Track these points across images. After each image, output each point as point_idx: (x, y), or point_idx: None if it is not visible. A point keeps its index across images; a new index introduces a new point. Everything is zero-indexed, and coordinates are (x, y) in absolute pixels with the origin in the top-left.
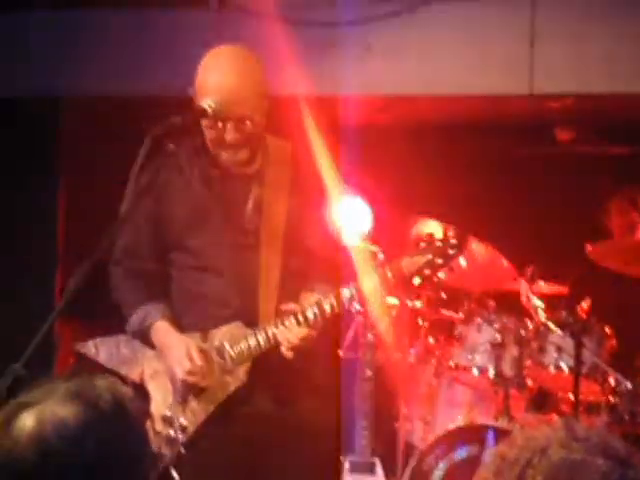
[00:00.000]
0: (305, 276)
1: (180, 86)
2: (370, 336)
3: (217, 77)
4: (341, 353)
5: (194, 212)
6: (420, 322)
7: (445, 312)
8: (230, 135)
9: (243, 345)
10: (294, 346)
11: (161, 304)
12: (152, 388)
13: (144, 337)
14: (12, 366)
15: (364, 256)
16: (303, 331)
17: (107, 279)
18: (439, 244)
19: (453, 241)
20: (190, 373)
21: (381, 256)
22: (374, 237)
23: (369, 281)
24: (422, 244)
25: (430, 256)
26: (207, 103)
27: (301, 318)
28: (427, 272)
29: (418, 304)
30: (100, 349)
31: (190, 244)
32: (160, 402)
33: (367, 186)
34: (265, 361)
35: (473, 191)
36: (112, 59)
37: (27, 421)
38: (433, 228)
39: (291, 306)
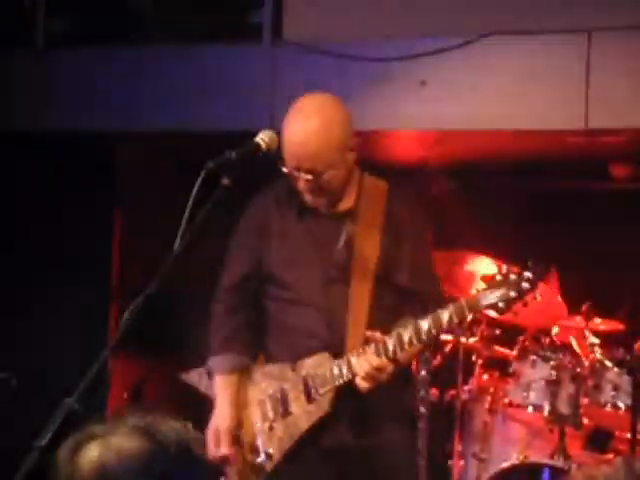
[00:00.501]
0: (397, 311)
1: (236, 120)
2: (423, 372)
3: (288, 130)
4: None
5: (289, 248)
6: (474, 358)
7: (499, 349)
8: (301, 184)
9: (328, 374)
10: (367, 375)
11: (236, 355)
12: (252, 413)
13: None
14: (66, 400)
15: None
16: (379, 361)
17: (165, 313)
18: (514, 277)
19: (528, 274)
20: (212, 456)
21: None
22: None
23: (444, 315)
24: (498, 277)
25: (505, 290)
26: (260, 137)
27: (381, 348)
28: (502, 305)
29: (472, 340)
30: (202, 378)
31: (284, 278)
32: (249, 430)
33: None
34: (349, 391)
35: (525, 228)
36: (168, 92)
37: (92, 450)
38: (485, 264)
39: (376, 335)
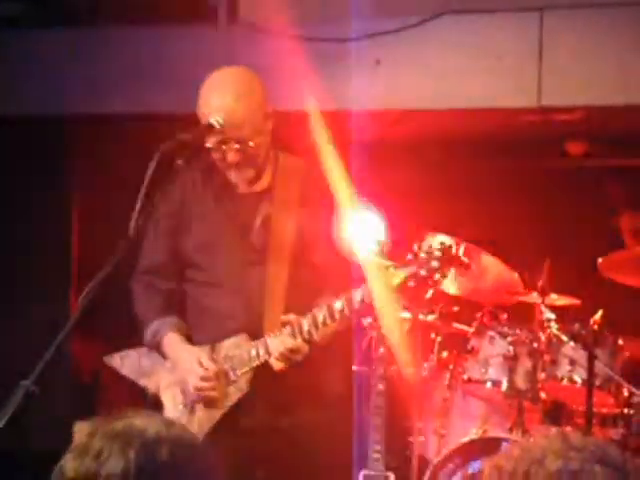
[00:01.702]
0: (315, 291)
1: (189, 103)
2: (382, 350)
3: (216, 100)
4: (354, 367)
5: (206, 229)
6: (433, 336)
7: (458, 326)
8: (231, 156)
9: (245, 355)
10: (281, 356)
11: (174, 318)
12: (165, 398)
13: (158, 350)
14: (22, 382)
15: (373, 269)
16: (292, 342)
17: (120, 296)
18: (423, 256)
19: (437, 253)
20: (203, 379)
21: (392, 270)
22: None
23: (357, 293)
24: (409, 255)
25: (415, 268)
26: (214, 119)
27: (297, 330)
28: (411, 284)
29: (431, 318)
30: (124, 361)
31: (201, 260)
32: (170, 411)
33: (378, 201)
34: (266, 372)
35: (483, 205)
36: (121, 75)
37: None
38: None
39: (290, 317)
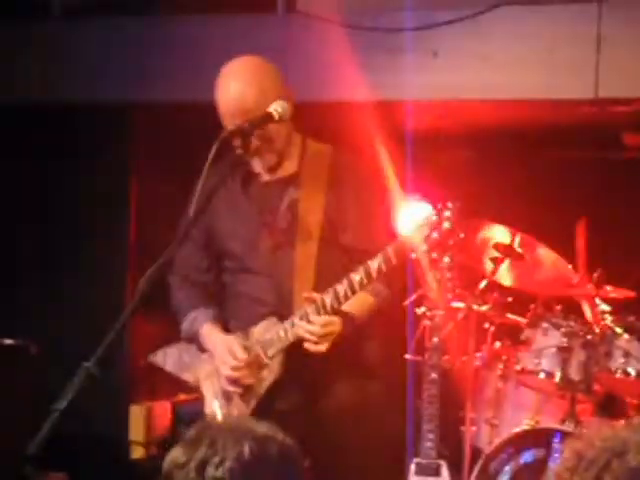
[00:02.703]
0: (344, 272)
1: None
2: (436, 339)
3: (228, 87)
4: (407, 356)
5: (235, 218)
6: (487, 326)
7: (511, 316)
8: (254, 143)
9: (275, 337)
10: (311, 333)
11: (210, 309)
12: (205, 390)
13: (196, 342)
14: (84, 364)
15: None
16: (318, 318)
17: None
18: (434, 219)
19: (447, 214)
20: (234, 369)
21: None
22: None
23: (374, 264)
24: (419, 221)
25: (428, 231)
26: (274, 107)
27: (320, 306)
28: (425, 247)
29: (484, 308)
30: (166, 358)
31: (233, 248)
32: (210, 402)
33: (430, 191)
34: (299, 353)
35: (539, 197)
36: (176, 63)
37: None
38: (499, 233)
39: (312, 295)
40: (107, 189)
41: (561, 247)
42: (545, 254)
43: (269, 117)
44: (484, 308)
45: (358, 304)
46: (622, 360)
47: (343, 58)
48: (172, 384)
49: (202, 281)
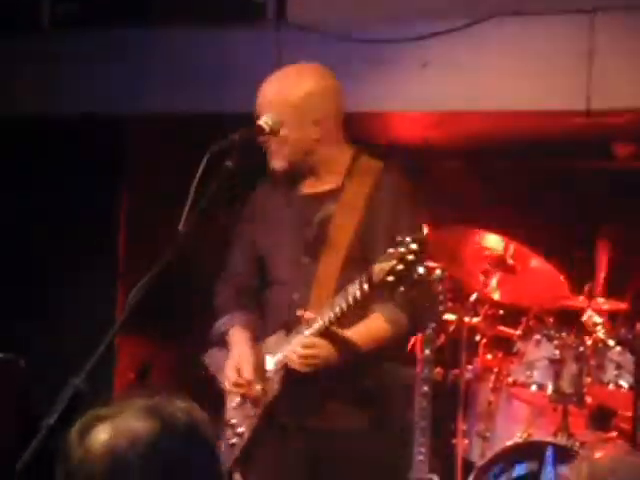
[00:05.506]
0: None
1: (239, 103)
2: (427, 352)
3: (260, 92)
4: None
5: (274, 231)
6: (478, 338)
7: (503, 328)
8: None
9: (279, 352)
10: (300, 357)
11: (245, 314)
12: (228, 392)
13: (223, 342)
14: (72, 380)
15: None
16: (304, 339)
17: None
18: (402, 249)
19: (413, 246)
20: (234, 384)
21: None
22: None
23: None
24: (390, 250)
25: (394, 262)
26: (264, 120)
27: (314, 326)
28: (390, 279)
29: (476, 320)
30: (210, 359)
31: (267, 260)
32: (230, 404)
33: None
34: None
35: (529, 208)
36: (174, 76)
37: (101, 433)
38: (493, 242)
39: (306, 313)
40: (96, 203)
41: (552, 258)
42: (538, 265)
43: (260, 130)
44: (475, 320)
45: (365, 331)
46: (614, 372)
47: (333, 69)
48: None
49: (245, 286)
